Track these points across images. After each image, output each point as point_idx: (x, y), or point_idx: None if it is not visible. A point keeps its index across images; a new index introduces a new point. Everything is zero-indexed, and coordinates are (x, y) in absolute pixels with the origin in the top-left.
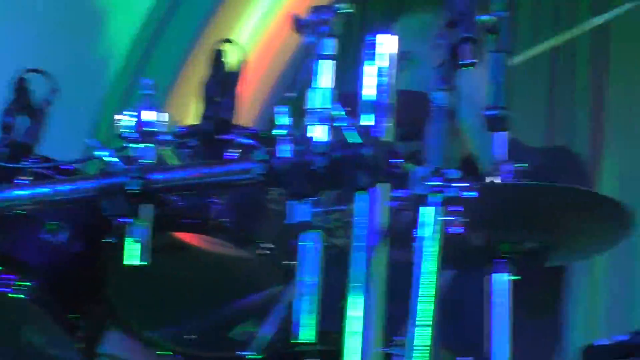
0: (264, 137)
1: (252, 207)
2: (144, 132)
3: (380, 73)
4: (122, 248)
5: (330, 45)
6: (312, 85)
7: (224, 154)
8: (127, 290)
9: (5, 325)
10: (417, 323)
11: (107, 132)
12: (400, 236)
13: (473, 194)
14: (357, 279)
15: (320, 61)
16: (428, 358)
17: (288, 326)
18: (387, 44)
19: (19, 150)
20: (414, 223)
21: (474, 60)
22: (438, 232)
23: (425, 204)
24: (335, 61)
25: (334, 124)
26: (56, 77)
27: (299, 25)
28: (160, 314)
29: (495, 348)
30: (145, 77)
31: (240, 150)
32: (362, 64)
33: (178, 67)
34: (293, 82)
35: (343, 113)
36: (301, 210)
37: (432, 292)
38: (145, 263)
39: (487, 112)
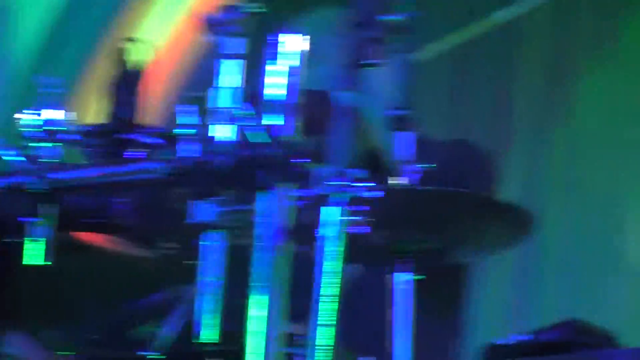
0: (168, 137)
1: (155, 206)
2: (47, 131)
3: (284, 72)
4: (23, 247)
5: (238, 44)
6: (218, 85)
7: (128, 153)
8: (28, 290)
9: None
10: (319, 322)
11: (6, 130)
12: (305, 235)
13: (377, 193)
14: (260, 278)
15: (227, 60)
16: (330, 357)
17: (190, 326)
18: (290, 44)
19: None
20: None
21: (379, 61)
22: (341, 231)
23: (329, 204)
24: (243, 60)
25: (239, 124)
26: None
27: (207, 24)
28: (62, 313)
29: (397, 347)
30: (49, 75)
31: (144, 150)
32: (269, 63)
33: (82, 66)
34: (198, 81)
35: (253, 113)
36: (204, 210)
37: (335, 291)
38: (48, 263)
39: (392, 112)
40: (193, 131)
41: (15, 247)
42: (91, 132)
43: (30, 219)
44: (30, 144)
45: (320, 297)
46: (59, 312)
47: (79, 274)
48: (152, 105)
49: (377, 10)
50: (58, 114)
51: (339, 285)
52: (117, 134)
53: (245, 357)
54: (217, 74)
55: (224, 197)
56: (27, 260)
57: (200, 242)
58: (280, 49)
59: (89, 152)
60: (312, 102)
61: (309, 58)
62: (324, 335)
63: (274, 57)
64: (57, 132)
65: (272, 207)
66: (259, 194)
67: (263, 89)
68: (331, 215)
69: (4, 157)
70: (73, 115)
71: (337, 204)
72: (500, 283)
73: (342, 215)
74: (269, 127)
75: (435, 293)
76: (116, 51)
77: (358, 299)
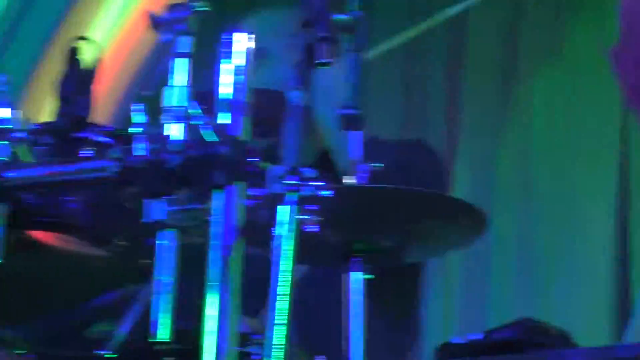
0: (120, 135)
1: (108, 205)
2: None
3: (236, 71)
4: None
5: (186, 43)
6: (169, 83)
7: (80, 152)
8: None
9: None
10: (274, 322)
11: None
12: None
13: (329, 192)
14: (215, 277)
15: (176, 59)
16: (283, 357)
17: (145, 325)
18: (242, 42)
19: None
20: (271, 221)
21: (330, 60)
22: (293, 230)
23: (282, 203)
24: (191, 59)
25: (191, 122)
26: None
27: (155, 23)
28: (15, 312)
29: (350, 347)
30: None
31: (95, 149)
32: (220, 62)
33: (33, 64)
34: (149, 80)
35: (199, 111)
36: (156, 209)
37: (287, 290)
38: None
39: (342, 111)
40: (145, 130)
41: None
42: (42, 131)
43: None
44: None
45: (275, 296)
46: (13, 311)
47: (31, 273)
48: (103, 103)
49: (327, 10)
50: (9, 112)
51: (292, 284)
52: (68, 133)
53: (201, 356)
54: (168, 72)
55: (177, 196)
56: None
57: (153, 241)
58: (231, 48)
59: (39, 150)
60: (264, 101)
61: (261, 58)
62: (278, 335)
63: (225, 56)
64: (6, 130)
65: (226, 206)
66: (212, 193)
67: (215, 88)
68: (285, 214)
69: None
70: (23, 114)
71: (289, 203)
72: (453, 283)
73: (294, 215)
74: (221, 126)
75: (389, 292)
76: (67, 50)
77: (312, 298)
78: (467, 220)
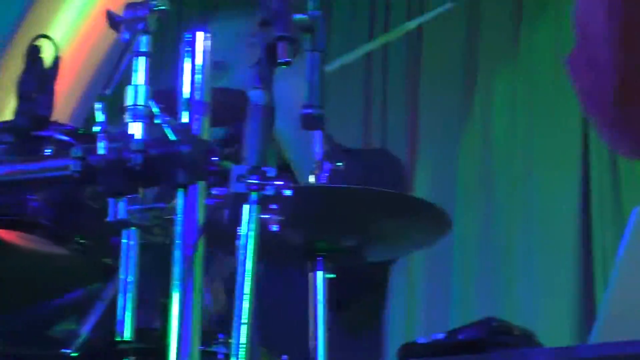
0: (81, 135)
1: (70, 204)
2: None
3: (197, 70)
4: None
5: (146, 42)
6: (130, 82)
7: (41, 150)
8: None
9: None
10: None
11: None
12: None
13: (289, 192)
14: (179, 276)
15: (136, 58)
16: (245, 356)
17: (108, 324)
18: (203, 42)
19: None
20: (235, 221)
21: (290, 60)
22: (254, 230)
23: (244, 202)
24: (150, 58)
25: (153, 122)
26: None
27: (114, 22)
28: None
29: (313, 346)
30: None
31: (56, 148)
32: (180, 61)
33: None
34: (109, 78)
35: (157, 110)
36: (118, 208)
37: (249, 290)
38: None
39: (303, 111)
40: (106, 129)
41: None
42: (2, 129)
43: None
44: None
45: (239, 295)
46: None
47: None
48: (64, 102)
49: (285, 9)
50: None
51: (255, 283)
52: (29, 131)
53: (165, 356)
54: (128, 71)
55: (139, 195)
56: None
57: (116, 240)
58: (191, 47)
59: (1, 149)
60: (227, 101)
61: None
62: (241, 334)
63: (187, 55)
64: None
65: (188, 205)
66: (174, 192)
67: (177, 87)
68: (247, 214)
69: None
70: None
71: (251, 202)
72: (416, 282)
73: (256, 214)
74: (182, 125)
75: (352, 292)
76: (28, 49)
77: (275, 298)
78: (430, 220)
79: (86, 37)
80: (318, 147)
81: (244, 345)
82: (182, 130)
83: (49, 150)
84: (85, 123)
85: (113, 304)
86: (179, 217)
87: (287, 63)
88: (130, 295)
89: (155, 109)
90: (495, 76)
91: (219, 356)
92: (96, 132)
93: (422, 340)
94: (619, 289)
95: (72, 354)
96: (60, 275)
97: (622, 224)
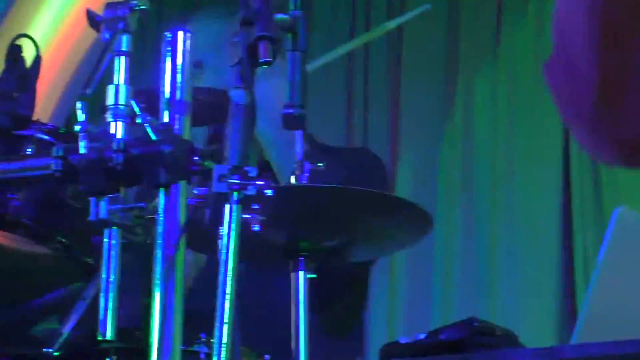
0: (62, 134)
1: (52, 203)
2: None
3: (179, 70)
4: None
5: (126, 41)
6: (110, 82)
7: (22, 150)
8: None
9: None
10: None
11: None
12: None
13: (270, 191)
14: (160, 276)
15: (117, 57)
16: (226, 356)
17: (90, 323)
18: (184, 41)
19: None
20: (217, 221)
21: (271, 59)
22: (236, 230)
23: (226, 202)
24: (130, 57)
25: (134, 121)
26: None
27: (94, 21)
28: None
29: (295, 346)
30: None
31: (37, 147)
32: (161, 61)
33: None
34: (90, 78)
35: (137, 110)
36: (99, 208)
37: (231, 289)
38: None
39: (284, 111)
40: (87, 128)
41: None
42: None
43: None
44: None
45: (220, 295)
46: None
47: None
48: (45, 102)
49: (266, 8)
50: None
51: (237, 283)
52: (10, 131)
53: (147, 355)
54: (108, 70)
55: (120, 195)
56: None
57: (98, 239)
58: (172, 46)
59: None
60: (209, 100)
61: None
62: (223, 333)
63: (169, 54)
64: None
65: (169, 204)
66: (156, 192)
67: (158, 86)
68: (229, 213)
69: None
70: None
71: (233, 202)
72: (398, 282)
73: (238, 214)
74: (163, 125)
75: (334, 292)
76: (9, 48)
77: (256, 298)
78: (411, 220)
79: (67, 37)
80: (299, 147)
81: (226, 345)
82: (164, 129)
83: (30, 150)
84: (66, 122)
85: (95, 303)
86: (161, 217)
87: (268, 63)
88: (112, 295)
89: (136, 109)
90: (476, 76)
91: (201, 356)
92: (77, 132)
93: (404, 340)
94: (601, 290)
95: (54, 353)
96: (41, 274)
97: (603, 224)
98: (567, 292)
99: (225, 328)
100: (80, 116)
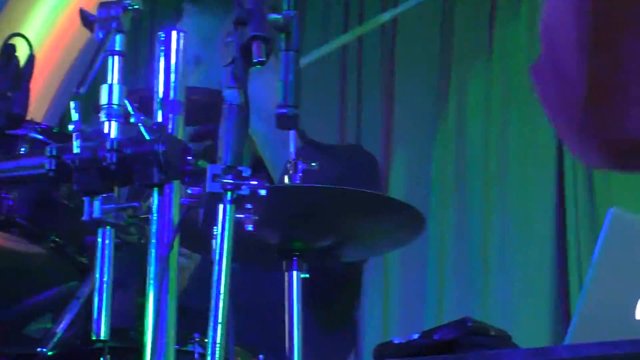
0: (56, 133)
1: (45, 202)
2: None
3: (172, 70)
4: None
5: (120, 40)
6: (104, 81)
7: (16, 149)
8: None
9: None
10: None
11: None
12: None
13: (263, 191)
14: (155, 276)
15: (110, 57)
16: (220, 355)
17: (84, 323)
18: (177, 41)
19: None
20: (210, 220)
21: (264, 59)
22: (229, 229)
23: (220, 202)
24: (124, 57)
25: (128, 121)
26: None
27: (88, 21)
28: None
29: (289, 346)
30: None
31: (31, 146)
32: (155, 61)
33: None
34: (83, 77)
35: (131, 109)
36: (93, 207)
37: (225, 289)
38: None
39: (278, 111)
40: (81, 127)
41: None
42: None
43: None
44: None
45: (214, 295)
46: None
47: None
48: (39, 101)
49: (260, 8)
50: None
51: (231, 283)
52: (4, 130)
53: (142, 355)
54: (102, 70)
55: (114, 194)
56: None
57: (91, 239)
58: (166, 46)
59: None
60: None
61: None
62: (217, 333)
63: (162, 54)
64: None
65: (163, 204)
66: (150, 191)
67: (151, 86)
68: (222, 213)
69: None
70: None
71: (227, 202)
72: (391, 282)
73: (231, 214)
74: (159, 124)
75: (328, 292)
76: (3, 47)
77: (250, 297)
78: (404, 220)
79: (60, 36)
80: (292, 147)
81: (220, 345)
82: (157, 129)
83: (24, 149)
84: (60, 122)
85: (88, 303)
86: (154, 217)
87: (262, 63)
88: (105, 295)
89: (131, 108)
90: (470, 75)
91: (195, 355)
92: (71, 131)
93: (397, 340)
94: (595, 290)
95: (48, 353)
96: (35, 273)
97: (597, 225)
98: (561, 292)
99: (219, 328)
100: (74, 116)
